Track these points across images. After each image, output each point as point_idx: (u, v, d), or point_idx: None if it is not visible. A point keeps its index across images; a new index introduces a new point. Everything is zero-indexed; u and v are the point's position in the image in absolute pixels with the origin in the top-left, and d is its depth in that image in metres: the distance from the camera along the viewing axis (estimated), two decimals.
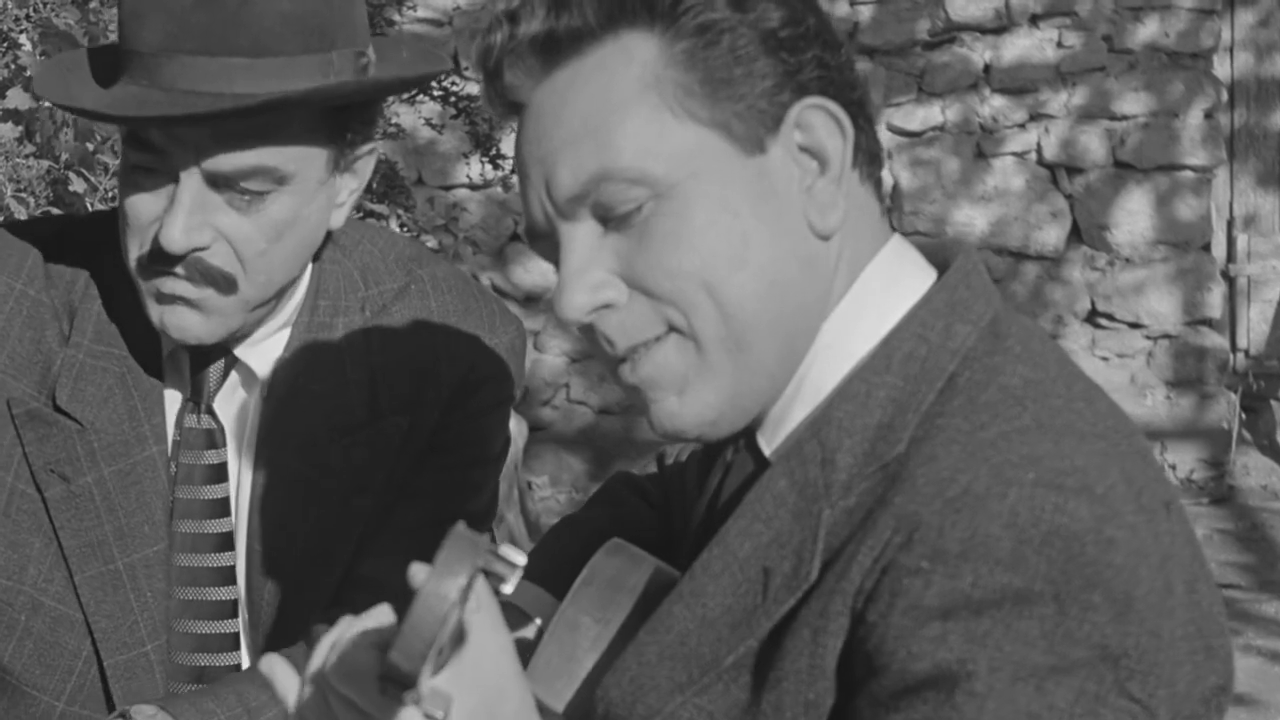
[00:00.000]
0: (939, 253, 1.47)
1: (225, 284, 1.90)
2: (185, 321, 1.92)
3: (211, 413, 2.02)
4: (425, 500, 2.07)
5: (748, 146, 1.38)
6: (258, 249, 1.90)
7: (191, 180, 1.86)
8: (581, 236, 1.40)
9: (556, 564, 1.68)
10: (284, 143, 1.88)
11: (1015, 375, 1.35)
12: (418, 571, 1.25)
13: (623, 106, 1.37)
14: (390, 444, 2.04)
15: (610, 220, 1.39)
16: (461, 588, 1.15)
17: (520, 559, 1.20)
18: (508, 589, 1.21)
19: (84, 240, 2.05)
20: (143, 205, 1.90)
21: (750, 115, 1.37)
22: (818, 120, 1.39)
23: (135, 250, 1.91)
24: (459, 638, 1.23)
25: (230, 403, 2.03)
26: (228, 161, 1.86)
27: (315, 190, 1.93)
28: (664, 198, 1.37)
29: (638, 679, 1.40)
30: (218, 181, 1.87)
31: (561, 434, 7.73)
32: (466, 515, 2.15)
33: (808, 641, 1.31)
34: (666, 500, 1.79)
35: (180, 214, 1.86)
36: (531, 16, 1.39)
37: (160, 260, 1.89)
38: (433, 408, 2.06)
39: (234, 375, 2.03)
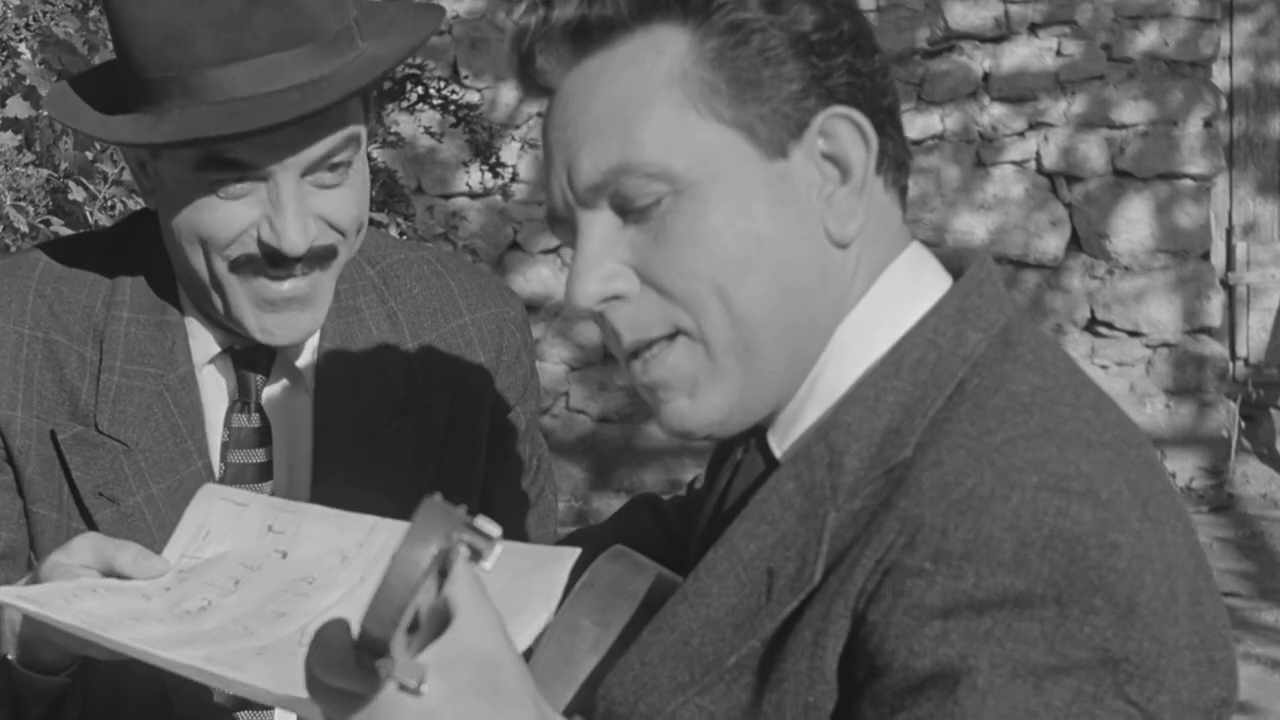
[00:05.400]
0: (955, 260, 1.48)
1: (329, 256, 1.94)
2: (297, 323, 1.95)
3: (260, 410, 2.03)
4: (501, 494, 2.13)
5: (769, 150, 1.38)
6: (353, 217, 1.94)
7: (289, 180, 1.87)
8: (599, 226, 1.41)
9: None
10: (353, 113, 1.91)
11: (1024, 383, 1.36)
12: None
13: (649, 100, 1.38)
14: (437, 419, 2.06)
15: (629, 213, 1.40)
16: (434, 555, 1.15)
17: (495, 530, 1.19)
18: (487, 565, 1.20)
19: (89, 262, 2.05)
20: (232, 219, 1.89)
21: (775, 119, 1.37)
22: (842, 129, 1.39)
23: (222, 264, 1.91)
24: (444, 619, 1.23)
25: (276, 398, 2.04)
26: (320, 148, 1.88)
27: (367, 137, 1.98)
28: (683, 195, 1.37)
29: (640, 678, 1.40)
30: (309, 169, 1.89)
31: (561, 442, 7.73)
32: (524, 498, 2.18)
33: (809, 644, 1.31)
34: (688, 524, 1.79)
35: (293, 216, 1.87)
36: (565, 2, 1.40)
37: (275, 263, 1.90)
38: (475, 386, 2.10)
39: (276, 370, 2.04)
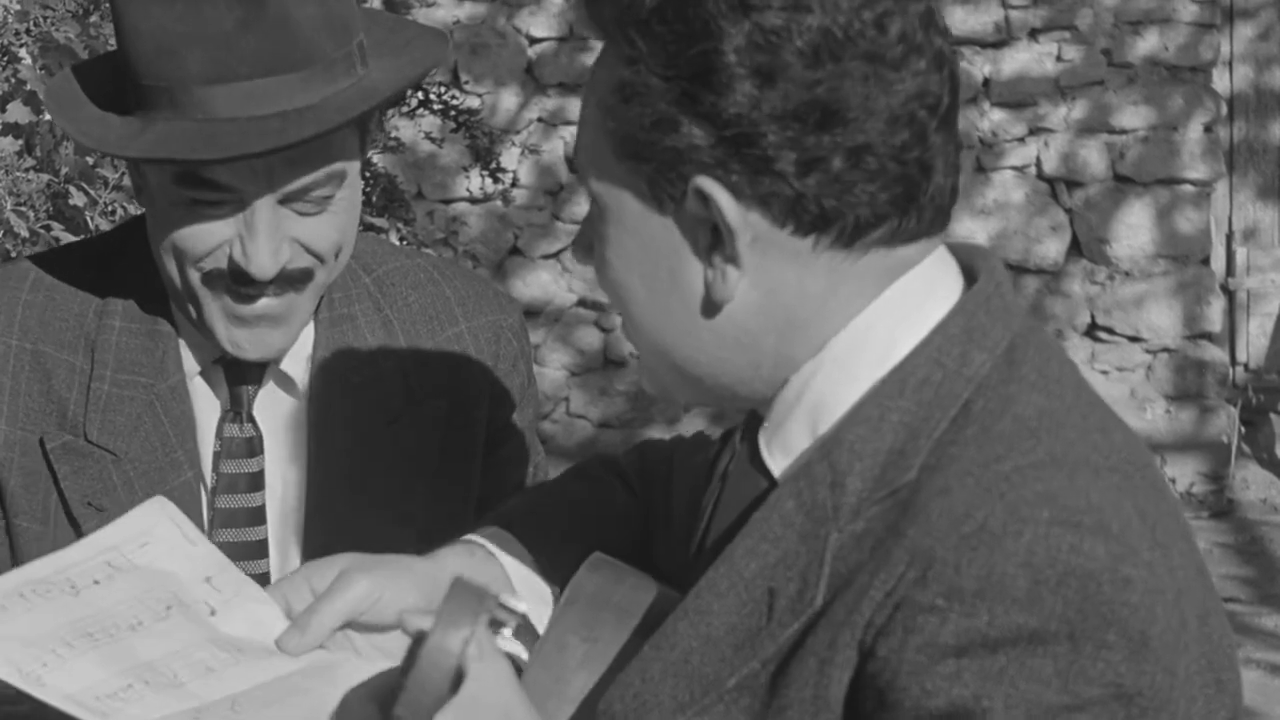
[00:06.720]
0: (967, 261, 1.46)
1: (304, 278, 1.92)
2: (267, 339, 1.94)
3: (253, 420, 2.02)
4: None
5: (654, 205, 1.38)
6: (332, 242, 1.92)
7: (265, 205, 1.86)
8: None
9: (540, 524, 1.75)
10: (341, 145, 1.90)
11: (1030, 405, 1.34)
12: (411, 616, 1.31)
13: (591, 117, 1.42)
14: (434, 428, 2.06)
15: None
16: (465, 639, 1.16)
17: (521, 606, 1.22)
18: (507, 632, 1.23)
19: (81, 271, 2.04)
20: (206, 236, 1.88)
21: (657, 178, 1.37)
22: (709, 199, 1.35)
23: (196, 275, 1.90)
24: (458, 676, 1.24)
25: (269, 408, 2.03)
26: (300, 180, 1.87)
27: (358, 173, 1.97)
28: (601, 216, 1.42)
29: (641, 695, 1.40)
30: (288, 197, 1.88)
31: (562, 447, 7.73)
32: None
33: (814, 671, 1.30)
34: (648, 490, 1.81)
35: (264, 242, 1.86)
36: None
37: (242, 282, 1.89)
38: (472, 394, 2.09)
39: (269, 380, 2.03)
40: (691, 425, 7.57)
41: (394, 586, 1.61)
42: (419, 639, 1.30)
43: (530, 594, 1.68)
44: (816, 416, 1.40)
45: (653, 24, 1.34)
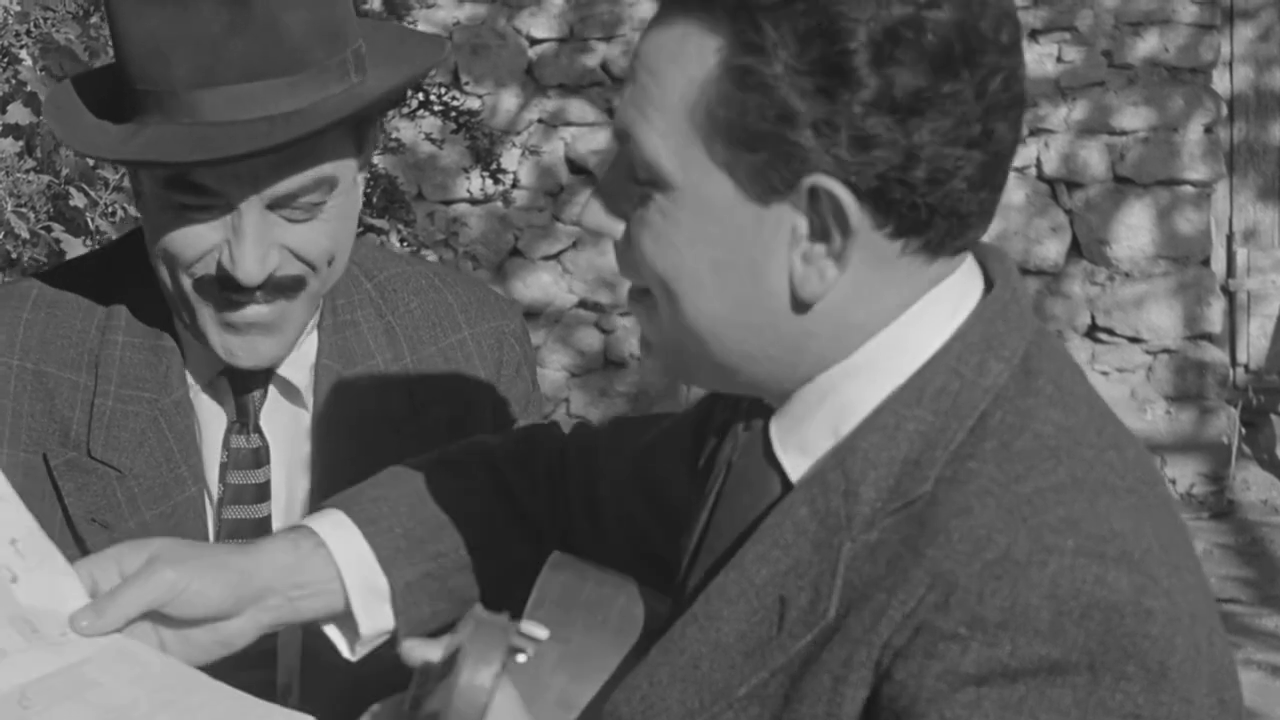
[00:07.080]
0: (982, 261, 1.44)
1: (295, 286, 1.91)
2: (259, 347, 1.93)
3: (259, 430, 2.01)
4: None
5: (752, 194, 1.33)
6: (323, 250, 1.91)
7: (252, 211, 1.85)
8: (623, 165, 1.40)
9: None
10: (332, 151, 1.89)
11: (1048, 422, 1.33)
12: (414, 646, 1.34)
13: (667, 99, 1.34)
14: (438, 435, 2.04)
15: (635, 176, 1.38)
16: (496, 674, 1.18)
17: (543, 633, 1.23)
18: (522, 659, 1.24)
19: (84, 286, 2.04)
20: (195, 241, 1.88)
21: (765, 169, 1.32)
22: (826, 198, 1.31)
23: (187, 281, 1.90)
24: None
25: (275, 417, 2.03)
26: (287, 184, 1.86)
27: (354, 181, 1.95)
28: (665, 194, 1.35)
29: (648, 698, 1.39)
30: (276, 203, 1.87)
31: None
32: None
33: (827, 688, 1.30)
34: (546, 480, 1.81)
35: (250, 247, 1.85)
36: None
37: (231, 289, 1.88)
38: (475, 400, 2.09)
39: (274, 390, 2.02)
40: None
41: (202, 581, 1.61)
42: (425, 670, 1.32)
43: (360, 585, 1.69)
44: (840, 419, 1.38)
45: (782, 14, 1.28)
